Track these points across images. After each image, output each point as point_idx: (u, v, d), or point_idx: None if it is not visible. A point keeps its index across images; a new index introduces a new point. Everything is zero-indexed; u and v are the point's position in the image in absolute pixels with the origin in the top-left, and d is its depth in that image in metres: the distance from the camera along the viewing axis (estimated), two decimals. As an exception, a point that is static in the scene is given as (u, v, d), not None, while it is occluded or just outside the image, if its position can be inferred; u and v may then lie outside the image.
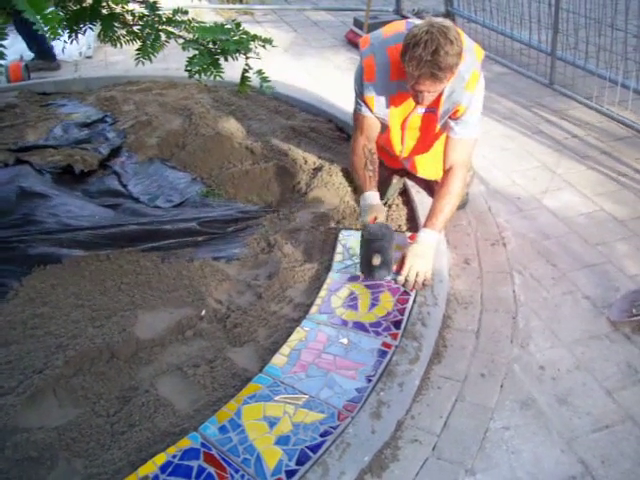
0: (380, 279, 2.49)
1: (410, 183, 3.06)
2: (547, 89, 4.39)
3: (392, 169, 2.99)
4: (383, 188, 2.93)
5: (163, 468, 1.77)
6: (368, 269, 2.49)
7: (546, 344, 2.26)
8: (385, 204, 2.98)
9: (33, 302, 2.45)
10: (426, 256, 2.45)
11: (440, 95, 2.45)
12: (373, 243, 2.44)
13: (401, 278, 2.43)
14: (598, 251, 2.71)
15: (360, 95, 2.63)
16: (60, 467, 1.83)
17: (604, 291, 2.48)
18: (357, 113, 2.71)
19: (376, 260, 2.42)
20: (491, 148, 3.62)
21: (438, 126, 2.59)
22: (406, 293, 2.39)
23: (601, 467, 1.82)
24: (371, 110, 2.62)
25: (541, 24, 4.66)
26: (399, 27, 2.53)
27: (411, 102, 2.56)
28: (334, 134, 3.76)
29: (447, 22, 2.28)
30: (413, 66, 2.24)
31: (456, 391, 2.07)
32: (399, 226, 2.84)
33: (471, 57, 2.44)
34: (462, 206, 3.02)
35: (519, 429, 1.95)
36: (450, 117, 2.53)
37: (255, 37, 2.40)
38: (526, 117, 4.00)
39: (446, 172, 2.58)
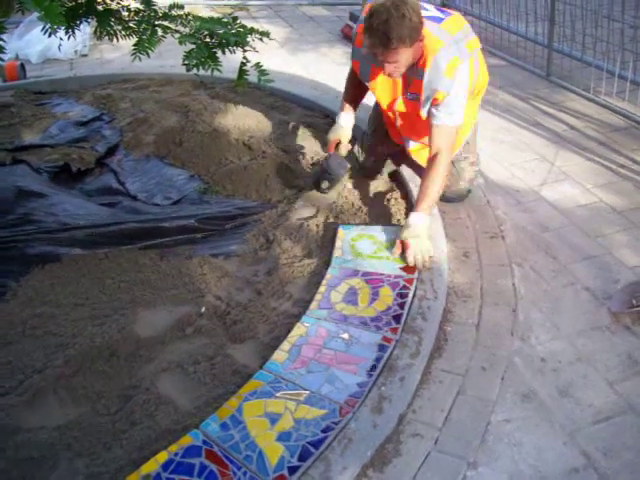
0: (322, 193, 2.99)
1: (409, 176, 3.06)
2: (544, 81, 4.38)
3: (394, 147, 3.08)
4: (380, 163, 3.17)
5: (165, 466, 1.76)
6: (316, 185, 3.00)
7: (547, 336, 2.26)
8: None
9: (32, 302, 2.44)
10: (422, 235, 2.54)
11: (421, 82, 2.54)
12: (326, 174, 2.95)
13: (410, 260, 2.50)
14: (598, 242, 2.70)
15: (351, 57, 2.84)
16: (62, 467, 1.83)
17: (604, 283, 2.48)
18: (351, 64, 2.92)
19: (324, 185, 2.94)
20: (489, 141, 3.61)
21: (422, 112, 2.63)
22: (406, 287, 2.38)
23: (603, 458, 1.82)
24: (357, 73, 2.82)
25: (537, 16, 4.65)
26: None
27: (399, 85, 2.68)
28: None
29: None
30: (367, 34, 2.40)
31: (457, 385, 2.07)
32: (398, 220, 2.83)
33: (455, 45, 2.51)
34: (460, 199, 3.03)
35: (521, 422, 1.94)
36: (432, 104, 2.58)
37: (252, 30, 2.40)
38: (523, 109, 4.00)
39: (431, 158, 2.63)
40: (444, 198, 2.96)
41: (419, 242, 2.51)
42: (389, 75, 2.55)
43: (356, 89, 2.96)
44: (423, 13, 2.44)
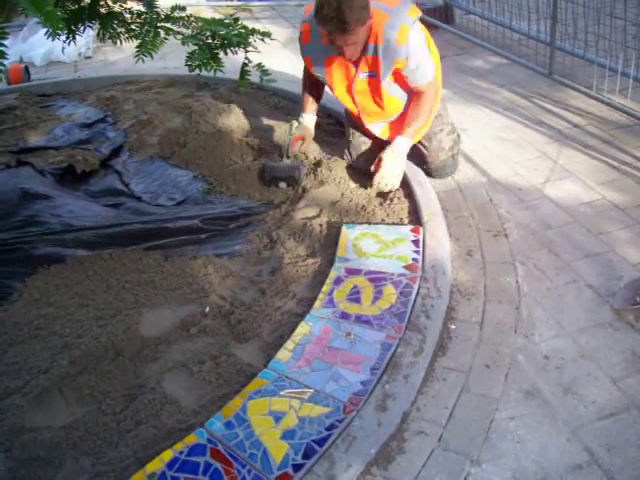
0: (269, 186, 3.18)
1: (411, 174, 3.06)
2: (547, 79, 4.38)
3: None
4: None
5: (170, 465, 1.78)
6: (274, 182, 3.16)
7: (550, 334, 2.26)
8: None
9: (38, 303, 2.46)
10: (397, 164, 2.85)
11: (377, 57, 2.70)
12: (292, 180, 3.14)
13: (374, 183, 2.88)
14: (601, 240, 2.70)
15: (302, 55, 2.99)
16: (68, 466, 1.85)
17: (607, 280, 2.48)
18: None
19: (282, 184, 3.15)
20: (492, 139, 3.61)
21: (384, 84, 2.80)
22: (409, 286, 2.39)
23: (607, 455, 1.82)
24: (309, 69, 3.00)
25: (540, 14, 4.65)
26: None
27: (352, 68, 2.81)
28: (334, 129, 3.76)
29: None
30: (322, 26, 2.56)
31: (461, 382, 2.07)
32: (401, 219, 2.84)
33: (398, 15, 2.65)
34: (444, 174, 3.18)
35: (524, 419, 1.95)
36: (399, 72, 2.76)
37: (254, 31, 2.43)
38: (526, 107, 3.99)
39: (416, 96, 2.88)
40: (428, 174, 3.12)
41: (393, 168, 2.83)
42: (349, 59, 2.70)
43: (313, 88, 3.15)
44: None
